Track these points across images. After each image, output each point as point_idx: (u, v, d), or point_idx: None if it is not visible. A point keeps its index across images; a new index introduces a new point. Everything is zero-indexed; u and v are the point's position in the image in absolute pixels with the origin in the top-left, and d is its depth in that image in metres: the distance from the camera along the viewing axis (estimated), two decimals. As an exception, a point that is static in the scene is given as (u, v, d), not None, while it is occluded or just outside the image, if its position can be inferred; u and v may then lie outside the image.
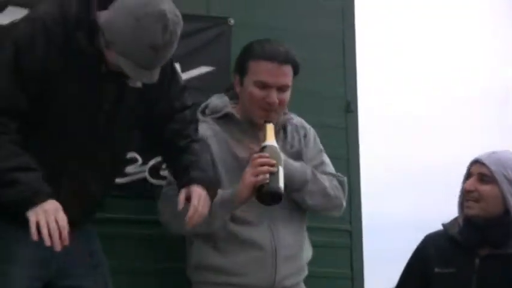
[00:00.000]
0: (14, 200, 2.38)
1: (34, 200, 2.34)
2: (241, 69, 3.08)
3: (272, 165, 2.77)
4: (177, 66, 3.29)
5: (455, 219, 3.22)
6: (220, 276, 2.95)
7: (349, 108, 4.02)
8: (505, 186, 3.04)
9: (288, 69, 3.02)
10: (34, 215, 2.31)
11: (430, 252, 3.24)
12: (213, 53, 3.48)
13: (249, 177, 2.79)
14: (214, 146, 2.98)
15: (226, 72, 3.56)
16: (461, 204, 3.18)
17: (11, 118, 2.44)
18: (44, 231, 2.28)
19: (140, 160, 3.36)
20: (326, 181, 3.07)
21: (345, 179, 3.23)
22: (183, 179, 2.71)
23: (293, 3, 4.02)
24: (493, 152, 3.15)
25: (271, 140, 2.90)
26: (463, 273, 3.10)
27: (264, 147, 2.86)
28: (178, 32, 2.42)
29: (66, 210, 2.40)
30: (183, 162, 2.74)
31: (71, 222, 2.39)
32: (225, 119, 3.08)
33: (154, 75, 2.48)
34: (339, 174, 3.23)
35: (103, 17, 2.41)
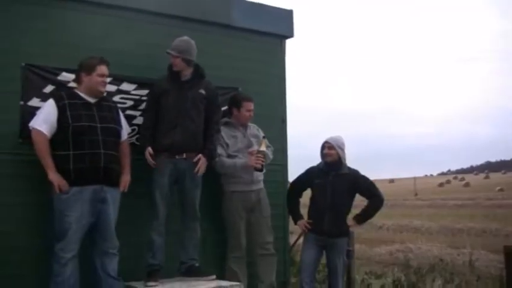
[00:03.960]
0: None
1: None
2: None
3: (262, 161, 6.13)
4: None
5: (320, 162, 6.73)
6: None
7: (283, 122, 7.04)
8: (339, 151, 6.58)
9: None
10: None
11: (312, 172, 6.75)
12: None
13: (252, 161, 6.14)
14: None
15: None
16: (322, 157, 6.66)
17: None
18: None
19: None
20: (271, 152, 6.56)
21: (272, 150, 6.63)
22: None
23: (232, 45, 6.72)
24: (332, 136, 6.65)
25: (263, 147, 6.17)
26: (325, 182, 6.56)
27: (261, 151, 6.16)
28: None
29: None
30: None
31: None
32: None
33: None
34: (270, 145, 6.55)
35: None
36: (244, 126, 6.37)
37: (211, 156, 5.88)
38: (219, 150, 6.12)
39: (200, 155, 5.71)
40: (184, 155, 5.69)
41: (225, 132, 6.23)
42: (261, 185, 6.36)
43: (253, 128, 6.45)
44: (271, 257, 6.31)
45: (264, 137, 6.24)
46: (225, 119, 6.33)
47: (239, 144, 6.27)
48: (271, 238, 6.37)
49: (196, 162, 5.68)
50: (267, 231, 6.34)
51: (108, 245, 5.17)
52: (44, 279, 5.02)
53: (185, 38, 5.76)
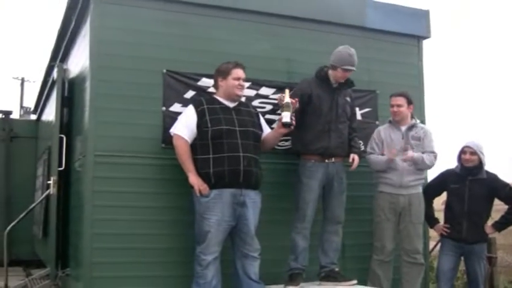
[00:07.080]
0: None
1: None
2: None
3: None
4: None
5: (457, 166, 6.54)
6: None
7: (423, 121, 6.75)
8: (481, 156, 6.37)
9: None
10: None
11: (447, 176, 6.57)
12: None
13: (390, 155, 6.09)
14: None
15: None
16: (459, 160, 6.47)
17: None
18: None
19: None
20: (428, 159, 6.17)
21: (437, 154, 6.24)
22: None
23: (367, 47, 6.53)
24: (472, 140, 6.44)
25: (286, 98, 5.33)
26: (462, 187, 6.39)
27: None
28: None
29: None
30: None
31: None
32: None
33: None
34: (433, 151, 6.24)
35: None
36: (408, 127, 6.20)
37: (359, 154, 5.95)
38: (373, 146, 6.24)
39: (354, 155, 5.84)
40: (333, 159, 5.69)
41: (385, 131, 6.22)
42: (415, 190, 6.14)
43: (419, 130, 6.27)
44: (418, 266, 6.08)
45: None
46: (390, 119, 6.29)
47: (395, 146, 6.11)
48: (421, 247, 6.13)
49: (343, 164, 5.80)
50: (416, 239, 6.09)
51: (248, 248, 5.19)
52: (189, 280, 5.12)
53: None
